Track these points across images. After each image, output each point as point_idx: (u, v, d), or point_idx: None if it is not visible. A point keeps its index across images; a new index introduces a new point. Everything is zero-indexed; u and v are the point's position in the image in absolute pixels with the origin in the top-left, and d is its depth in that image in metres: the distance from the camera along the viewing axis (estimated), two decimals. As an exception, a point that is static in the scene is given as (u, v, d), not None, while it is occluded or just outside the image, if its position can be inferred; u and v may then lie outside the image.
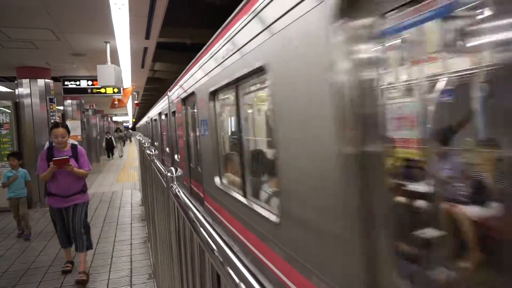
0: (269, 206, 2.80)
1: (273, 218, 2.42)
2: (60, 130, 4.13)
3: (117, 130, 23.10)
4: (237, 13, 3.00)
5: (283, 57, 2.12)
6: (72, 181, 4.11)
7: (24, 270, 4.45)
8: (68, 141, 5.27)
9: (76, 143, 5.05)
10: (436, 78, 1.36)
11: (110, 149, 19.81)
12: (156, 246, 3.11)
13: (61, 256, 4.68)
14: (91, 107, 16.72)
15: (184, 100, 6.31)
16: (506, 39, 1.00)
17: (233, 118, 3.87)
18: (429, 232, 1.39)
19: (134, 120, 45.22)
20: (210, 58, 4.02)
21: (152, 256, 4.13)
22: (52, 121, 8.52)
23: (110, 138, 19.86)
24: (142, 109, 34.02)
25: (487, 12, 1.10)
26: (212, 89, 3.97)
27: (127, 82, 10.51)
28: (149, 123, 17.94)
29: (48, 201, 4.18)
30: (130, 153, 22.37)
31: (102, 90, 9.86)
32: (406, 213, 1.54)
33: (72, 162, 4.06)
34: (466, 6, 1.17)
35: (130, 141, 32.29)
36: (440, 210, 1.37)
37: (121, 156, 20.62)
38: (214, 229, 1.02)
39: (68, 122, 7.99)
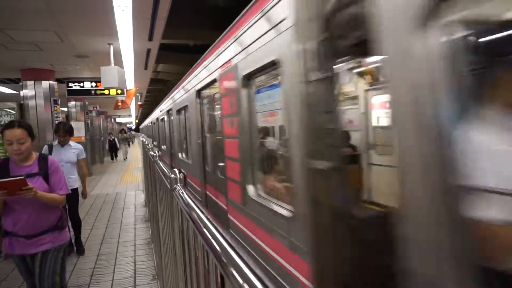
0: None
1: None
2: (17, 132, 2.48)
3: (122, 131, 23.04)
4: None
5: None
6: (39, 212, 2.61)
7: (29, 271, 4.47)
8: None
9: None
10: None
11: (113, 151, 19.77)
12: (160, 247, 3.12)
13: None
14: (95, 108, 16.82)
15: None
16: None
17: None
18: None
19: (137, 121, 45.43)
20: None
21: (156, 257, 4.13)
22: (56, 122, 8.52)
23: (113, 139, 19.79)
24: (146, 110, 34.20)
25: None
26: None
27: (130, 84, 10.56)
28: (162, 120, 11.10)
29: (5, 246, 2.65)
30: (133, 154, 22.41)
31: (106, 92, 9.92)
32: None
33: (39, 182, 2.58)
34: None
35: (133, 142, 32.40)
36: None
37: (125, 159, 20.18)
38: (217, 230, 1.02)
39: (72, 123, 7.91)
